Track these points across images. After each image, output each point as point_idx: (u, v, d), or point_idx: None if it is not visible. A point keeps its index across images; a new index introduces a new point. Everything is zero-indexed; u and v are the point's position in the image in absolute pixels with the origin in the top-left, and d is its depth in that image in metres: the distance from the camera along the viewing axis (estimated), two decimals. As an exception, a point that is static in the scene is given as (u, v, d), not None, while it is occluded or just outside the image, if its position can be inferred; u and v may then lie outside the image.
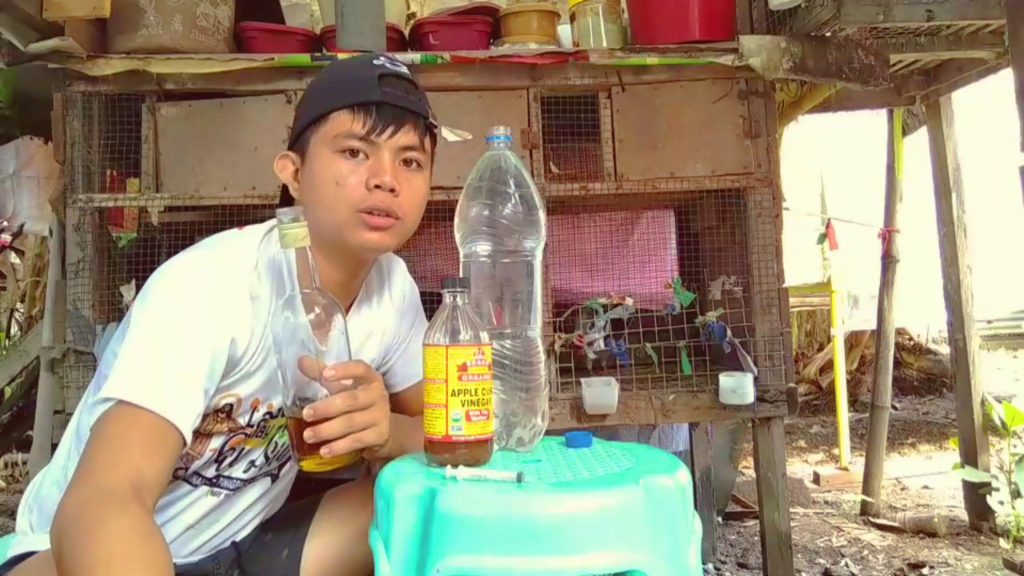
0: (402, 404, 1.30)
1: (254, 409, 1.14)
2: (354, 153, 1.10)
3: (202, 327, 1.01)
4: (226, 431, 1.13)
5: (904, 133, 2.90)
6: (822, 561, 2.48)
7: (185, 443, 0.98)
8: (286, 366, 1.03)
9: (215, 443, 1.13)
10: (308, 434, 0.99)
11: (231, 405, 1.11)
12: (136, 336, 1.00)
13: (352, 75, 1.14)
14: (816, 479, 3.55)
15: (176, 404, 0.96)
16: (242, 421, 1.14)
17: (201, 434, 1.11)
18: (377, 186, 1.08)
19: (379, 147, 1.10)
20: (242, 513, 1.22)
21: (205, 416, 1.09)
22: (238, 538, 1.24)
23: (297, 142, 1.16)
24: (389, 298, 1.30)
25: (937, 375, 5.76)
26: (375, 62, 1.14)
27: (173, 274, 1.05)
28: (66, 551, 0.84)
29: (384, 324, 1.29)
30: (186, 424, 0.97)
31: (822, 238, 3.37)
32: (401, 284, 1.33)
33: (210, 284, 1.04)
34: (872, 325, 3.15)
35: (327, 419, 0.99)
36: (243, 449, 1.17)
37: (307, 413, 0.99)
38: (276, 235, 1.06)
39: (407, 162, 1.13)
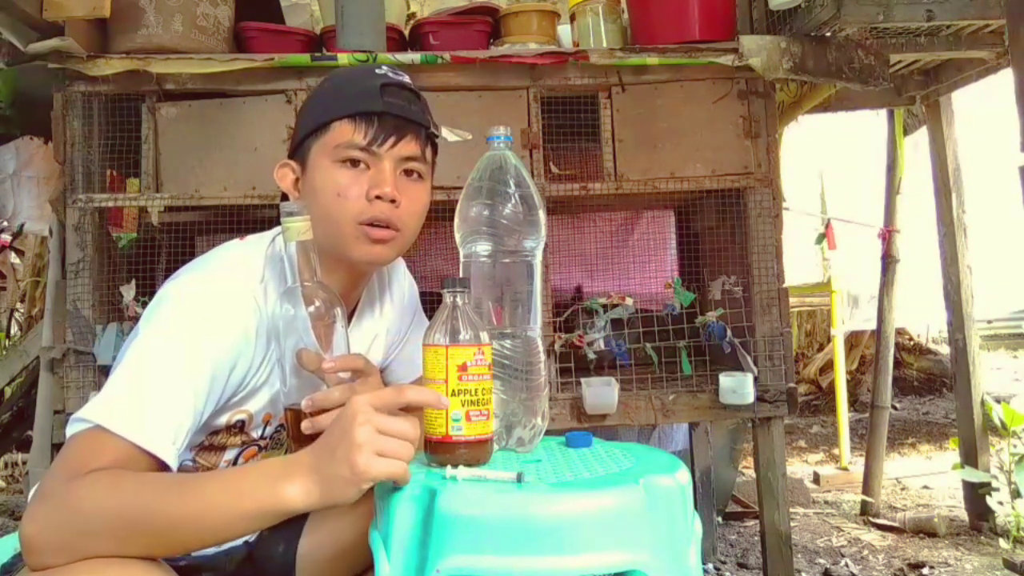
0: None
1: (266, 423, 1.14)
2: (355, 163, 1.09)
3: (199, 356, 0.98)
4: (239, 443, 1.13)
5: (904, 133, 2.90)
6: (822, 561, 2.48)
7: (168, 469, 0.95)
8: (285, 357, 1.03)
9: (229, 455, 1.13)
10: (306, 425, 0.99)
11: (243, 421, 1.11)
12: (130, 360, 0.97)
13: (354, 84, 1.12)
14: (816, 479, 3.55)
15: (157, 434, 0.93)
16: (255, 434, 1.14)
17: (215, 447, 1.11)
18: (378, 197, 1.08)
19: (380, 157, 1.09)
20: None
21: (217, 431, 1.09)
22: (251, 537, 1.24)
23: (297, 151, 1.15)
24: (390, 299, 1.31)
25: (937, 375, 5.76)
26: (377, 71, 1.13)
27: (174, 299, 1.03)
28: (50, 527, 0.83)
29: (387, 324, 1.30)
30: (166, 452, 0.94)
31: (821, 238, 3.37)
32: (400, 283, 1.33)
33: (210, 310, 1.01)
34: (872, 325, 3.15)
35: (325, 410, 0.99)
36: (259, 459, 1.16)
37: (305, 404, 0.99)
38: (280, 242, 1.06)
39: (408, 172, 1.13)
